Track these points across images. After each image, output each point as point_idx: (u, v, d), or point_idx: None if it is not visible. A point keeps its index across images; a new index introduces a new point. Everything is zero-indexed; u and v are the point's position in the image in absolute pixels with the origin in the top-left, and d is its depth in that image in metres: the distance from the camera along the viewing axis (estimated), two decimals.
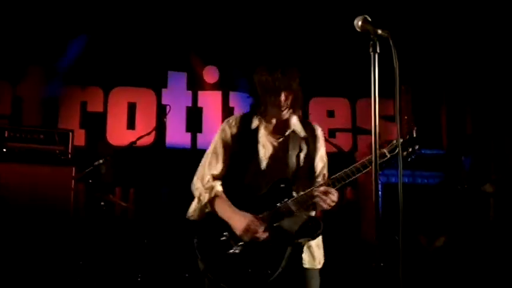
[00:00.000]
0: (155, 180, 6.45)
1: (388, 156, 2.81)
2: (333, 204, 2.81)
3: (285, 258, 2.77)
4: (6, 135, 5.42)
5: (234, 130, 3.04)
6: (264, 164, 2.95)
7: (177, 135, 6.64)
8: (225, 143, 3.03)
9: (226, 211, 2.86)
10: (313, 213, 2.95)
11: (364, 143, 6.92)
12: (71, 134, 5.71)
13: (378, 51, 2.23)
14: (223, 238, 2.82)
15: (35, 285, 5.08)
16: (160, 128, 4.97)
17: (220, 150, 3.02)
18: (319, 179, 3.04)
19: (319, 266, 2.98)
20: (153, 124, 6.38)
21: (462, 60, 7.15)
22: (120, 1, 6.43)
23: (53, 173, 5.41)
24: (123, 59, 6.61)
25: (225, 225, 2.83)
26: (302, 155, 3.00)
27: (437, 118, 7.03)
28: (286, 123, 3.05)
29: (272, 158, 2.97)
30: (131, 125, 6.64)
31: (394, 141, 2.76)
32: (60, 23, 6.42)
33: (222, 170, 3.01)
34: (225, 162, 3.01)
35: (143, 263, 4.51)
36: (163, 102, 6.65)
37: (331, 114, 7.09)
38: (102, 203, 4.40)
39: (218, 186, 2.94)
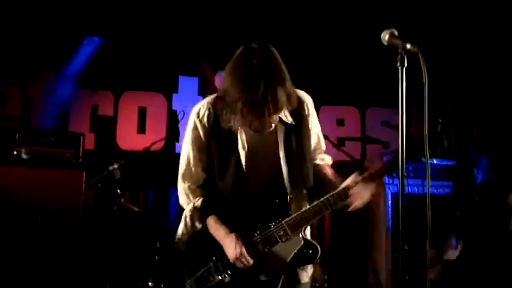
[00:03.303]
0: (165, 184, 6.46)
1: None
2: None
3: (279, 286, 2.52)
4: (17, 137, 5.40)
5: (207, 126, 2.60)
6: (245, 166, 2.54)
7: None
8: (201, 146, 2.64)
9: (219, 231, 2.57)
10: (307, 233, 2.67)
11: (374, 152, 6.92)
12: (81, 137, 5.71)
13: (406, 65, 2.25)
14: (211, 263, 2.58)
15: None
16: (174, 134, 4.96)
17: (200, 154, 2.65)
18: (317, 157, 2.76)
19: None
20: (163, 129, 6.40)
21: (469, 70, 7.18)
22: (131, 6, 6.45)
23: (64, 177, 5.39)
24: (134, 63, 6.63)
25: (214, 247, 2.58)
26: (293, 149, 2.56)
27: (447, 129, 7.04)
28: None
29: (254, 157, 2.55)
30: (141, 129, 6.66)
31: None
32: (71, 26, 6.44)
33: (204, 175, 2.68)
34: (206, 166, 2.66)
35: (154, 267, 4.50)
36: (174, 107, 6.68)
37: (340, 122, 7.11)
38: (115, 207, 4.37)
39: (209, 204, 2.66)
